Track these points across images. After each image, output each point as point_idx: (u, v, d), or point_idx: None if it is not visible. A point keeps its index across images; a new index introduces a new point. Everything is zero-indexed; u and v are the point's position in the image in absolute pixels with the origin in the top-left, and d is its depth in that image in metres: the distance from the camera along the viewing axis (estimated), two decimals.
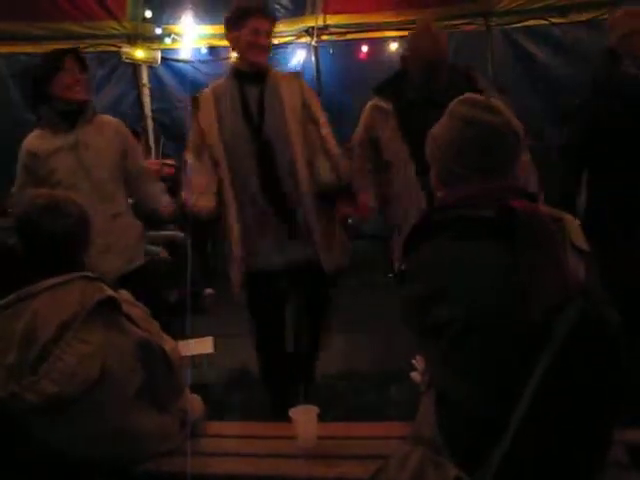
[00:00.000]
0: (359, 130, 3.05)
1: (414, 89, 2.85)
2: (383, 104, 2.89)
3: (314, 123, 2.91)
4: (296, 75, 3.09)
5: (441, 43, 2.80)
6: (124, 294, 2.07)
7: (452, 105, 1.68)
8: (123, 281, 2.92)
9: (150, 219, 5.23)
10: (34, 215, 2.01)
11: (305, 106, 2.89)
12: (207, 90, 2.95)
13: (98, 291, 1.92)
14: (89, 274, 1.98)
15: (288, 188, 2.86)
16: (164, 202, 3.19)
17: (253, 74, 2.87)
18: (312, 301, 3.08)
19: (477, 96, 1.71)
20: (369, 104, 2.99)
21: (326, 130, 2.93)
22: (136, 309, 2.06)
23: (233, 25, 2.85)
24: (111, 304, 1.93)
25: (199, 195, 2.83)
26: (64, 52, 3.03)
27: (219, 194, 2.87)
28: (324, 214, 2.95)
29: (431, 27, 2.86)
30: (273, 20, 2.93)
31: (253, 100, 2.85)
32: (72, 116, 2.96)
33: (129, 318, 1.98)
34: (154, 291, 3.16)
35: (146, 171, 3.30)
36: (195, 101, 2.93)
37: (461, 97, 1.70)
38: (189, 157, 2.92)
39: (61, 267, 1.97)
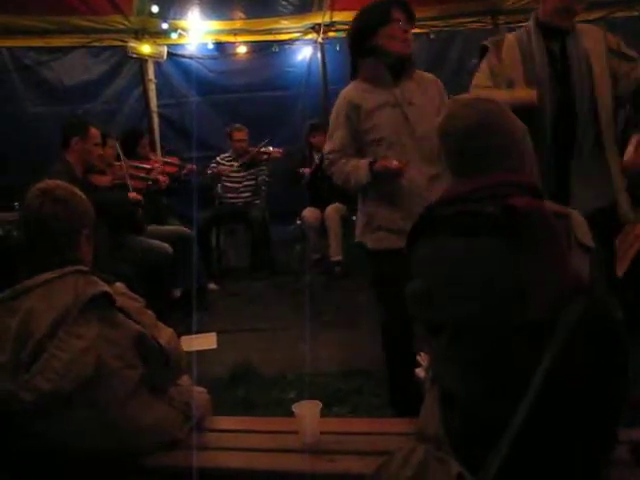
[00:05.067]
0: None
1: None
2: None
3: (627, 64, 2.83)
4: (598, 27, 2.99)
5: None
6: (119, 287, 2.05)
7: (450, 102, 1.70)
8: None
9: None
10: (29, 202, 1.98)
11: (612, 51, 2.83)
12: (508, 37, 2.93)
13: (91, 286, 1.90)
14: (83, 268, 1.96)
15: (584, 139, 2.80)
16: None
17: (557, 29, 2.84)
18: None
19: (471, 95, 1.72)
20: None
21: None
22: (130, 301, 2.04)
23: None
24: (105, 299, 1.91)
25: None
26: (391, 3, 2.88)
27: None
28: None
29: None
30: None
31: (557, 51, 2.83)
32: (397, 70, 2.88)
33: (124, 311, 1.96)
34: None
35: None
36: (494, 43, 2.92)
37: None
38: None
39: (56, 259, 1.94)
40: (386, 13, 2.82)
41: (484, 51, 2.98)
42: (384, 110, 2.84)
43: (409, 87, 2.89)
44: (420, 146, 2.83)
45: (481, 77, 2.93)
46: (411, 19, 2.88)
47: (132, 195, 4.60)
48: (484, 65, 2.95)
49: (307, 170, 6.13)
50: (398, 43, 2.83)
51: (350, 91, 2.92)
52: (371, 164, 2.79)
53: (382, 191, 2.84)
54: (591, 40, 2.84)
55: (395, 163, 2.75)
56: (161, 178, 5.29)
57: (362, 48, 2.88)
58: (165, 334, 2.10)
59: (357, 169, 2.84)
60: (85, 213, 2.06)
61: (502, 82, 2.87)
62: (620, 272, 3.32)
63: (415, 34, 7.14)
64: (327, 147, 3.00)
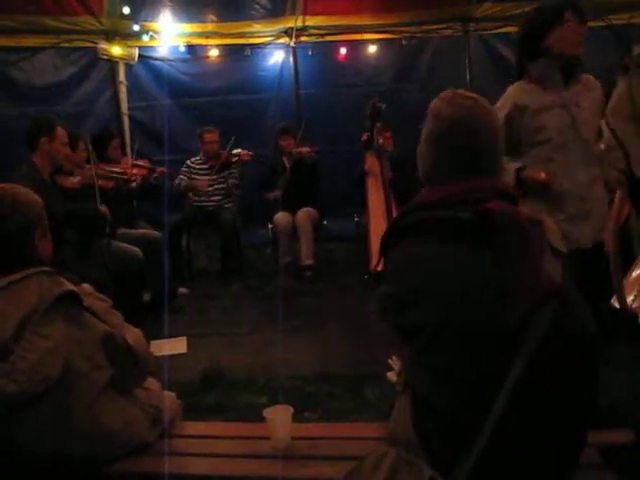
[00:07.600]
0: None
1: None
2: None
3: None
4: None
5: None
6: (86, 287, 2.03)
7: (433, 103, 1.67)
8: (596, 249, 2.76)
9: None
10: None
11: None
12: None
13: (57, 285, 1.88)
14: (47, 269, 1.93)
15: None
16: None
17: None
18: None
19: (457, 92, 1.68)
20: None
21: None
22: (98, 302, 2.03)
23: None
24: (71, 298, 1.89)
25: None
26: (564, 4, 2.84)
27: None
28: None
29: None
30: None
31: None
32: (567, 72, 2.86)
33: (91, 311, 1.94)
34: None
35: None
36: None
37: (443, 94, 1.68)
38: None
39: (16, 263, 1.91)
40: (559, 15, 2.81)
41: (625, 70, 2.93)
42: (552, 111, 2.85)
43: (577, 89, 2.89)
44: (584, 148, 2.84)
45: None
46: (583, 20, 2.85)
47: (103, 210, 4.51)
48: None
49: (277, 194, 6.14)
50: (569, 45, 2.82)
51: (516, 91, 2.92)
52: (518, 170, 2.79)
53: (543, 193, 2.80)
54: None
55: (543, 175, 2.75)
56: (132, 178, 5.23)
57: (532, 49, 2.88)
58: (133, 334, 2.09)
59: (503, 171, 2.76)
60: (41, 217, 2.03)
61: None
62: None
63: (387, 40, 7.27)
64: None
